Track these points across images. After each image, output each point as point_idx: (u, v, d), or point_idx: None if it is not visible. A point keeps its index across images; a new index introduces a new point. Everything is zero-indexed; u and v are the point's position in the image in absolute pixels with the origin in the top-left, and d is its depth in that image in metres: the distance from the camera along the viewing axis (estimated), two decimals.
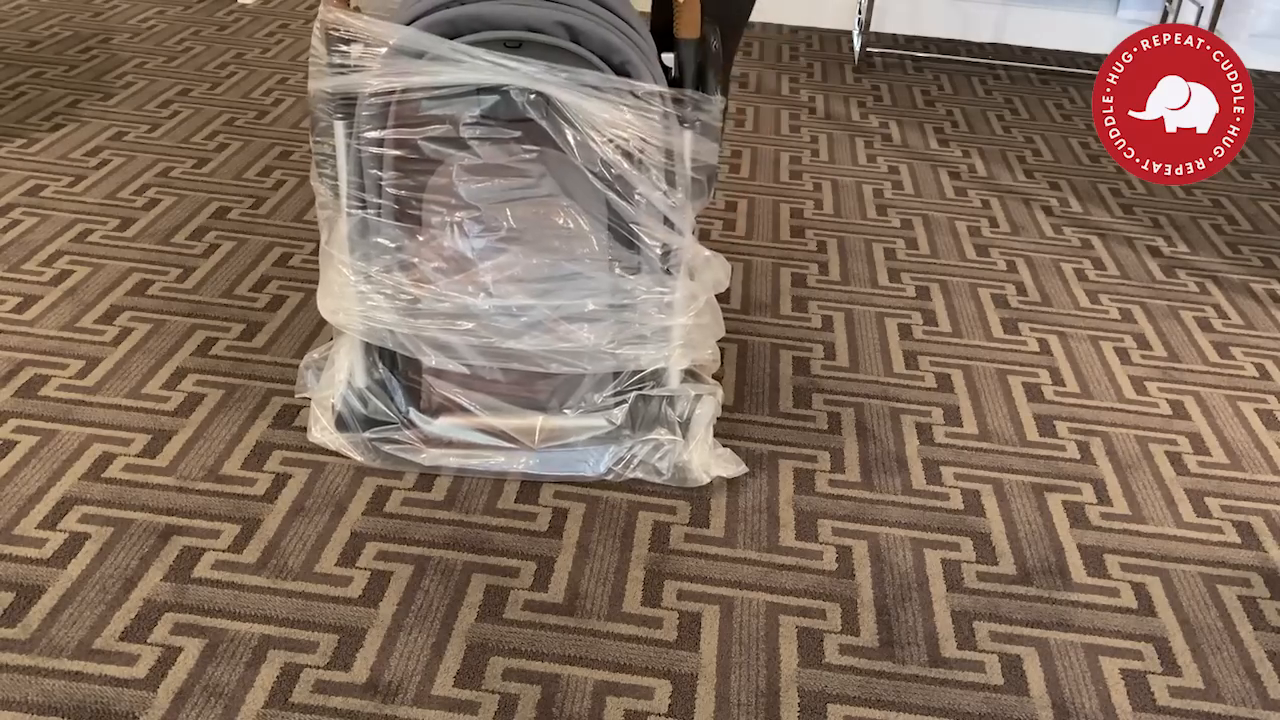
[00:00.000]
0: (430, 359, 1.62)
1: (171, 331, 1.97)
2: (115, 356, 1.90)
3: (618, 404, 1.68)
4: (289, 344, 1.97)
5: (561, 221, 1.57)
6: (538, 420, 1.69)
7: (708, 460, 1.70)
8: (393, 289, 1.59)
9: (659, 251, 1.60)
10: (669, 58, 1.63)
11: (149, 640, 1.39)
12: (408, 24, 1.49)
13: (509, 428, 1.69)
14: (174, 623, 1.42)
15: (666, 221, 1.59)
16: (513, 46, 1.47)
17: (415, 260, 1.59)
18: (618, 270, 1.60)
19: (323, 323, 2.02)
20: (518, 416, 1.69)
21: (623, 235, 1.58)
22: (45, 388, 1.81)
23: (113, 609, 1.43)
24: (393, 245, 1.58)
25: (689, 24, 1.59)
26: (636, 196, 1.55)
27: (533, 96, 1.49)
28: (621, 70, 1.50)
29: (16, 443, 1.69)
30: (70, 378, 1.84)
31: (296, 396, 1.82)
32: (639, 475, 1.69)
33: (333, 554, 1.54)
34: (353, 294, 1.61)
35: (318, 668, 1.38)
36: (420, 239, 1.58)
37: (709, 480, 1.70)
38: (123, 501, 1.60)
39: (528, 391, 1.68)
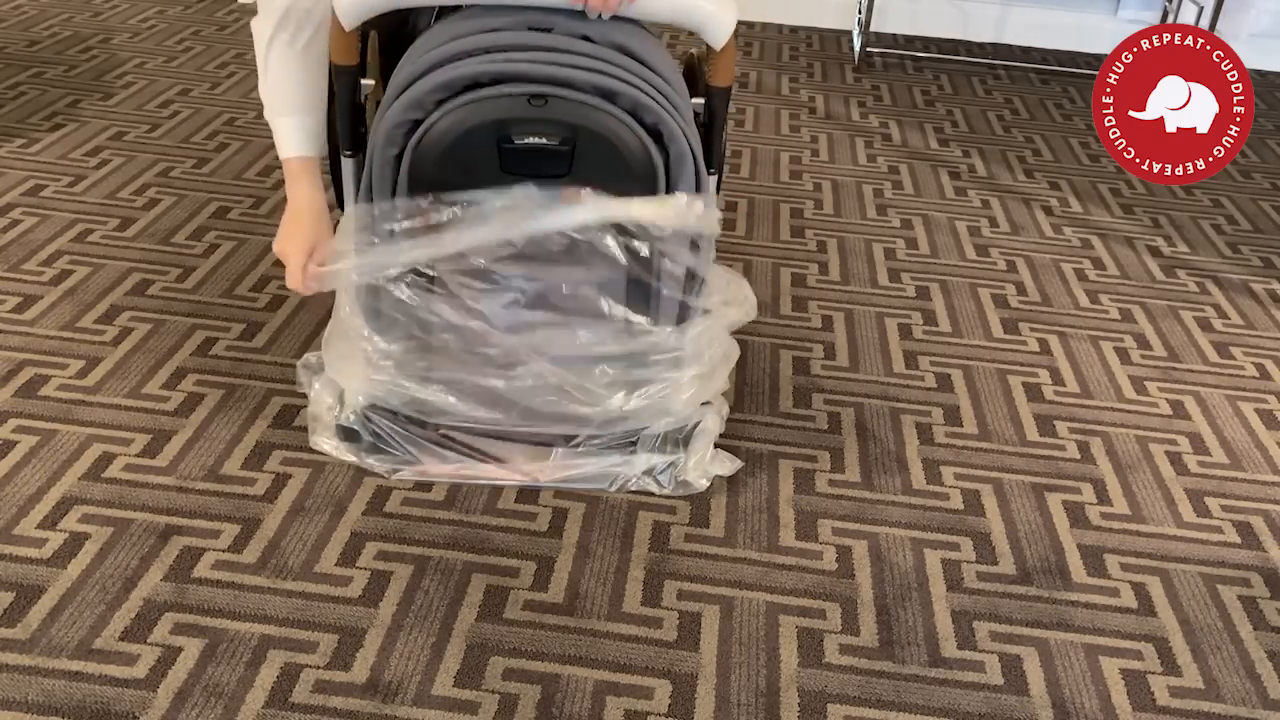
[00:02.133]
0: (443, 419, 1.63)
1: (171, 331, 1.97)
2: (115, 356, 1.90)
3: (628, 441, 1.67)
4: (289, 344, 1.97)
5: (578, 291, 1.54)
6: (546, 458, 1.68)
7: (705, 465, 1.70)
8: (403, 356, 1.59)
9: (677, 306, 1.58)
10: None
11: (149, 640, 1.39)
12: (424, 74, 1.43)
13: (517, 465, 1.69)
14: (174, 623, 1.42)
15: (689, 275, 1.57)
16: (538, 102, 1.42)
17: (428, 330, 1.57)
18: (635, 328, 1.57)
19: (323, 323, 2.02)
20: (526, 455, 1.69)
21: (639, 293, 1.55)
22: (45, 388, 1.81)
23: (113, 609, 1.43)
24: (403, 318, 1.56)
25: (725, 72, 1.54)
26: (657, 264, 1.53)
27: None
28: (653, 130, 1.45)
29: (16, 443, 1.69)
30: (70, 378, 1.84)
31: (299, 391, 1.82)
32: (640, 488, 1.69)
33: (333, 554, 1.54)
34: (360, 357, 1.60)
35: (318, 668, 1.38)
36: (433, 308, 1.56)
37: (708, 485, 1.70)
38: (123, 501, 1.60)
39: (536, 434, 1.67)
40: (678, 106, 1.48)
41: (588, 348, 1.57)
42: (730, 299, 1.65)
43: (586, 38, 1.46)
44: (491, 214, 1.46)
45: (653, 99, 1.44)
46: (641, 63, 1.47)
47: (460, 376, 1.59)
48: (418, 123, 1.44)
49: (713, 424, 1.71)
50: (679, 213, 1.48)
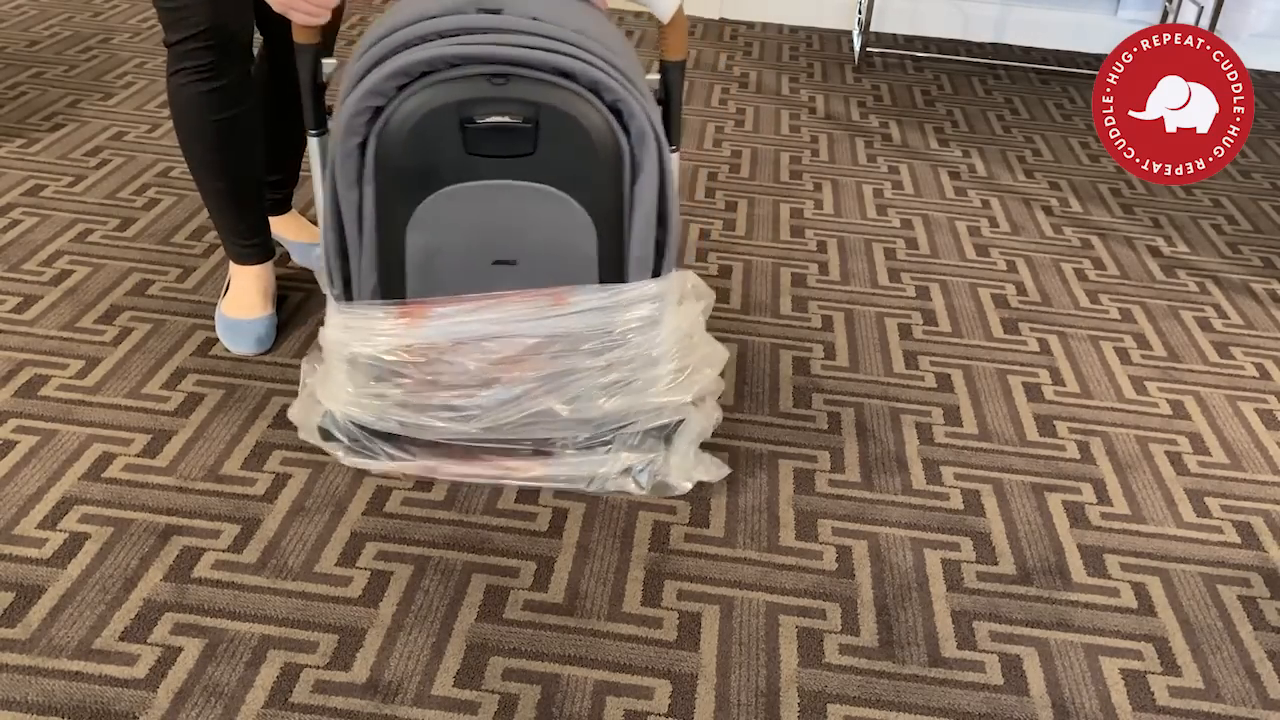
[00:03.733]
0: (427, 435, 1.63)
1: (171, 331, 1.97)
2: (115, 356, 1.90)
3: (612, 440, 1.67)
4: (289, 344, 1.97)
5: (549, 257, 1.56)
6: (531, 462, 1.68)
7: (689, 468, 1.69)
8: (387, 389, 1.59)
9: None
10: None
11: (149, 640, 1.39)
12: (380, 61, 1.43)
13: (503, 464, 1.69)
14: (174, 623, 1.42)
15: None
16: (498, 81, 1.43)
17: (410, 369, 1.58)
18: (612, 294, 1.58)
19: (322, 322, 2.02)
20: (511, 457, 1.69)
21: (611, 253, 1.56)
22: (45, 388, 1.81)
23: (113, 609, 1.43)
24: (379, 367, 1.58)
25: (677, 46, 1.55)
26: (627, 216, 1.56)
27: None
28: (612, 107, 1.46)
29: (16, 443, 1.69)
30: (70, 378, 1.84)
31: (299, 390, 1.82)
32: (618, 488, 1.68)
33: (333, 554, 1.54)
34: (343, 382, 1.61)
35: (318, 668, 1.38)
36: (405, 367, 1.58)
37: (689, 488, 1.69)
38: (123, 501, 1.60)
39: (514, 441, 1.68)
40: (635, 84, 1.48)
41: (570, 372, 1.58)
42: (684, 295, 1.66)
43: (536, 19, 1.46)
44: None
45: (611, 77, 1.44)
46: (596, 41, 1.48)
47: (437, 398, 1.60)
48: (378, 110, 1.45)
49: (697, 425, 1.68)
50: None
